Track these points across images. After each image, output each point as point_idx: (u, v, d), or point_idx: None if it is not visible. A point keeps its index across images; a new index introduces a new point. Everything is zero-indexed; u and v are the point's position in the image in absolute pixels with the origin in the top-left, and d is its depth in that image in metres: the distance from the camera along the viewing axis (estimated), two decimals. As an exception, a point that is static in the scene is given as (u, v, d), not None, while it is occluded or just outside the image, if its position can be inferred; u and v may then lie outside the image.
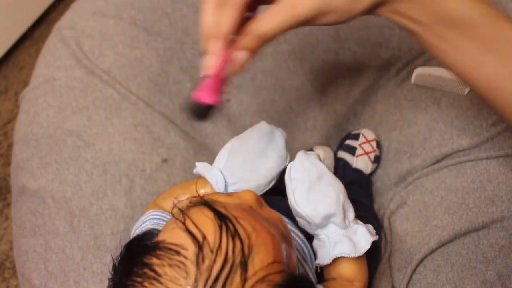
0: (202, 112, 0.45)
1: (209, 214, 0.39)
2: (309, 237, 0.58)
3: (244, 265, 0.37)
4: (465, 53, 0.43)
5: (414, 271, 0.62)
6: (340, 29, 0.81)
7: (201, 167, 0.60)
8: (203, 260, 0.36)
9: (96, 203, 0.68)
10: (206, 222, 0.38)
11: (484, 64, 0.43)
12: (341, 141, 0.80)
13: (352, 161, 0.76)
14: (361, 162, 0.76)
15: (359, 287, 0.53)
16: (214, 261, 0.36)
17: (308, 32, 0.83)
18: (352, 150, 0.76)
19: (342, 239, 0.52)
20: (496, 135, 0.67)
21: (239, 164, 0.58)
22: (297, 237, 0.58)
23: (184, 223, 0.39)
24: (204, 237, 0.37)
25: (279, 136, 0.58)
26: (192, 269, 0.36)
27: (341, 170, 0.76)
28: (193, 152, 0.77)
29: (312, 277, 0.56)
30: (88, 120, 0.74)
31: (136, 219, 0.60)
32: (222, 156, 0.59)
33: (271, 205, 0.54)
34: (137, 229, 0.56)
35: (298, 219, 0.55)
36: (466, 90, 0.71)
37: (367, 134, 0.78)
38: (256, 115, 0.83)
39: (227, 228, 0.38)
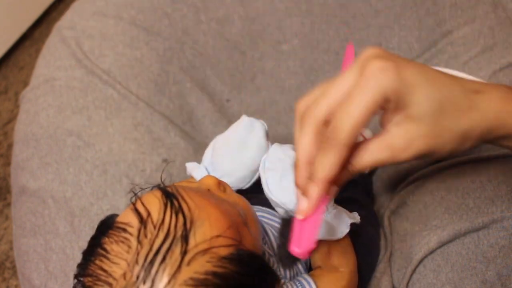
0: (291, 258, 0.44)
1: (158, 194, 0.41)
2: None
3: (185, 238, 0.38)
4: None
5: (414, 271, 0.62)
6: (339, 28, 0.81)
7: (189, 167, 0.61)
8: (145, 235, 0.38)
9: (97, 203, 0.68)
10: (153, 201, 0.41)
11: None
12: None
13: None
14: None
15: (345, 273, 0.53)
16: (157, 235, 0.38)
17: (309, 32, 0.83)
18: None
19: None
20: None
21: (222, 158, 0.59)
22: (276, 223, 0.58)
23: (134, 204, 0.41)
24: (148, 214, 0.40)
25: (259, 127, 0.59)
26: (134, 243, 0.38)
27: None
28: (193, 152, 0.77)
29: (301, 266, 0.56)
30: (88, 120, 0.74)
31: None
32: (208, 153, 0.61)
33: (258, 202, 0.56)
34: None
35: (277, 208, 0.55)
36: None
37: (365, 133, 0.77)
38: (256, 115, 0.82)
39: (172, 205, 0.40)
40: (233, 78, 0.84)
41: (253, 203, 0.61)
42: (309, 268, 0.57)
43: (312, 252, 0.38)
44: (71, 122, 0.74)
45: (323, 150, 0.36)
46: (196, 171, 0.60)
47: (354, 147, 0.37)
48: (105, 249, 0.39)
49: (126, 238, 0.39)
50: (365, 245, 0.64)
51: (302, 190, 0.38)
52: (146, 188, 0.45)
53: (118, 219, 0.41)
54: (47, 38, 0.86)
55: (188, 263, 0.37)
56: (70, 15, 0.86)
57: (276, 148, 0.56)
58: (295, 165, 0.39)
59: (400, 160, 0.36)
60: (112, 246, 0.39)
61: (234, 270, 0.39)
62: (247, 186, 0.60)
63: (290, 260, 0.39)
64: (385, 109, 0.37)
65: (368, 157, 0.37)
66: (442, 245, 0.62)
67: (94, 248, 0.40)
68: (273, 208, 0.58)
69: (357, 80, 0.36)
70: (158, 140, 0.75)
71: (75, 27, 0.83)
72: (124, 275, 0.37)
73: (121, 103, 0.77)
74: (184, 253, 0.37)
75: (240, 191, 0.61)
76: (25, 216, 0.70)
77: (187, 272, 0.37)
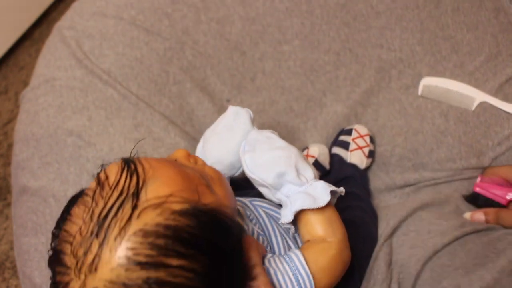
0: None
1: (119, 162, 0.45)
2: None
3: (136, 194, 0.41)
4: None
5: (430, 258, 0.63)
6: (340, 29, 0.81)
7: None
8: (101, 195, 0.42)
9: (98, 202, 0.68)
10: (112, 167, 0.45)
11: None
12: (335, 137, 0.81)
13: (347, 156, 0.77)
14: (355, 157, 0.76)
15: (333, 242, 0.53)
16: (111, 195, 0.42)
17: (309, 32, 0.83)
18: (345, 145, 0.77)
19: (301, 196, 0.53)
20: (500, 155, 0.69)
21: (211, 147, 0.61)
22: (276, 213, 0.60)
23: (98, 174, 0.45)
24: (106, 178, 0.43)
25: (244, 113, 0.61)
26: (90, 203, 0.42)
27: (336, 165, 0.77)
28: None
29: (293, 245, 0.57)
30: (88, 120, 0.74)
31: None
32: (199, 146, 0.64)
33: (257, 194, 0.58)
34: None
35: (260, 188, 0.57)
36: (473, 106, 0.72)
37: (360, 129, 0.78)
38: (256, 115, 0.83)
39: (129, 168, 0.44)
40: (233, 78, 0.84)
41: (253, 195, 0.63)
42: None
43: None
44: (72, 122, 0.74)
45: None
46: None
47: None
48: (69, 214, 0.43)
49: (85, 200, 0.43)
50: (363, 235, 0.65)
51: None
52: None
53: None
54: (47, 38, 0.86)
55: (138, 216, 0.40)
56: (70, 15, 0.86)
57: (254, 132, 0.59)
58: None
59: None
60: (75, 209, 0.43)
61: (186, 223, 0.41)
62: (237, 173, 0.62)
63: None
64: None
65: None
66: (461, 235, 0.63)
67: (63, 217, 0.44)
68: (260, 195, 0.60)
69: None
70: (158, 140, 0.76)
71: (75, 27, 0.83)
72: (79, 231, 0.41)
73: (121, 103, 0.77)
74: (134, 207, 0.40)
75: (237, 186, 0.62)
76: (26, 215, 0.70)
77: (136, 224, 0.40)
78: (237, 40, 0.84)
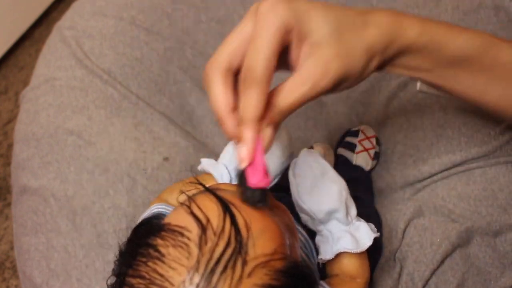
0: (259, 196, 0.41)
1: (214, 200, 0.40)
2: (311, 234, 0.58)
3: (245, 249, 0.37)
4: (469, 85, 0.46)
5: (437, 268, 0.63)
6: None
7: (206, 163, 0.61)
8: (206, 242, 0.37)
9: (98, 201, 0.68)
10: (210, 207, 0.39)
11: (488, 90, 0.46)
12: (340, 138, 0.80)
13: (352, 157, 0.76)
14: (361, 159, 0.76)
15: (361, 283, 0.53)
16: (217, 244, 0.37)
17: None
18: (351, 147, 0.77)
19: (345, 235, 0.52)
20: (505, 144, 0.68)
21: None
22: (299, 234, 0.58)
23: (189, 207, 0.40)
24: (208, 221, 0.38)
25: (284, 134, 0.59)
26: (194, 250, 0.37)
27: (341, 167, 0.77)
28: (193, 152, 0.77)
29: (315, 273, 0.56)
30: (88, 119, 0.75)
31: (139, 218, 0.61)
32: (228, 151, 0.61)
33: None
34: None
35: (301, 214, 0.55)
36: None
37: (367, 130, 0.78)
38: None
39: (231, 214, 0.39)
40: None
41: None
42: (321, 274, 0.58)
43: (268, 183, 0.40)
44: (72, 122, 0.74)
45: (244, 92, 0.37)
46: (215, 168, 0.60)
47: (276, 89, 0.38)
48: (160, 252, 0.38)
49: (185, 244, 0.37)
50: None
51: (236, 138, 0.39)
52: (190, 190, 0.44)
53: (172, 221, 0.40)
54: (47, 38, 0.86)
55: (249, 275, 0.37)
56: (70, 15, 0.87)
57: (305, 153, 0.56)
58: (219, 119, 0.39)
59: (322, 89, 0.38)
60: (169, 249, 0.38)
61: (287, 283, 0.38)
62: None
63: (254, 201, 0.40)
64: (290, 48, 0.39)
65: (291, 95, 0.38)
66: (462, 240, 0.63)
67: (144, 248, 0.39)
68: (294, 213, 0.58)
69: (254, 23, 0.37)
70: (158, 139, 0.76)
71: (75, 27, 0.83)
72: (183, 282, 0.36)
73: (121, 102, 0.77)
74: (244, 264, 0.37)
75: None
76: (26, 215, 0.70)
77: (247, 284, 0.36)
78: (237, 39, 0.85)
